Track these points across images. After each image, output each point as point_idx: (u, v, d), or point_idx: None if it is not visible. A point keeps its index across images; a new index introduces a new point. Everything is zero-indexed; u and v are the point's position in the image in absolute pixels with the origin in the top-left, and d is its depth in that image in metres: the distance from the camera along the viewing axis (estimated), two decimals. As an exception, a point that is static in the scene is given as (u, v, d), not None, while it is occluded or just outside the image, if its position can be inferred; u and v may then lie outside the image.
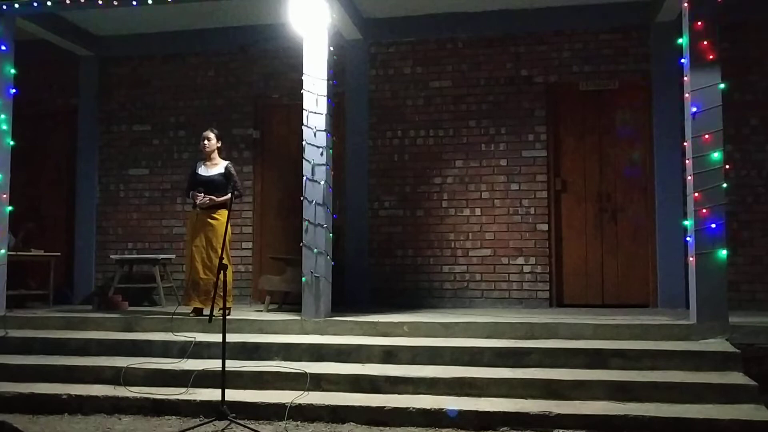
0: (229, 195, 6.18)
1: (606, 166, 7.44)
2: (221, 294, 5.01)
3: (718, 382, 4.67)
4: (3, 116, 6.82)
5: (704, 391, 4.59)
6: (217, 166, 6.52)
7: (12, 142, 6.90)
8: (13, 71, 6.93)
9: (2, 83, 6.82)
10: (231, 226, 5.84)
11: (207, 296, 6.21)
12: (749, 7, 6.88)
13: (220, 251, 6.04)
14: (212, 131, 6.59)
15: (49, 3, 6.78)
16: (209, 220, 6.34)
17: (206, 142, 6.53)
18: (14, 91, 6.94)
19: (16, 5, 6.79)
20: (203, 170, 6.52)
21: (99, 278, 8.30)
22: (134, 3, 6.70)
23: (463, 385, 4.82)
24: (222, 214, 6.35)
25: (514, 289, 7.41)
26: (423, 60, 7.82)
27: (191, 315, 6.33)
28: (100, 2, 6.73)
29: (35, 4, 6.77)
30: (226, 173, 6.48)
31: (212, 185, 6.38)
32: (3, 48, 6.84)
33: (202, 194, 6.32)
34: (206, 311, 6.25)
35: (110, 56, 8.47)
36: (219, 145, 6.61)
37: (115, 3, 6.72)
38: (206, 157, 6.56)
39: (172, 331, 5.89)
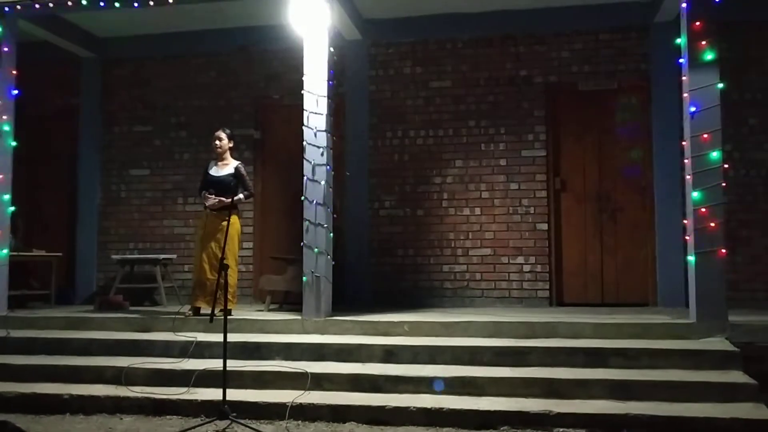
0: (240, 196, 6.25)
1: (605, 165, 7.46)
2: (223, 294, 5.02)
3: (717, 381, 4.68)
4: (5, 117, 6.84)
5: (704, 389, 4.61)
6: (227, 167, 6.51)
7: (14, 143, 6.92)
8: (15, 72, 6.96)
9: (4, 84, 6.85)
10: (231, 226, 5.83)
11: (213, 296, 6.22)
12: (747, 8, 6.88)
13: (228, 252, 6.13)
14: (224, 131, 6.55)
15: (50, 5, 6.81)
16: (221, 222, 6.33)
17: (218, 142, 6.50)
18: (16, 92, 6.96)
19: (18, 7, 6.81)
20: (214, 170, 6.50)
21: (100, 278, 8.32)
22: (135, 5, 6.72)
23: (464, 385, 4.84)
24: (232, 216, 6.35)
25: (514, 289, 7.43)
26: (423, 60, 7.84)
27: (188, 313, 6.31)
28: (102, 4, 6.75)
29: (37, 6, 6.79)
30: (236, 173, 6.46)
31: (222, 186, 6.35)
32: (5, 49, 6.87)
33: (213, 196, 6.32)
34: (205, 310, 6.29)
35: (112, 57, 8.50)
36: (231, 144, 6.59)
37: (117, 5, 6.74)
38: (218, 157, 6.55)
39: (174, 331, 5.91)
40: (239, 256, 7.76)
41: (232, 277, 6.15)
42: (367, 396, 4.81)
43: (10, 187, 6.86)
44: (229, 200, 6.24)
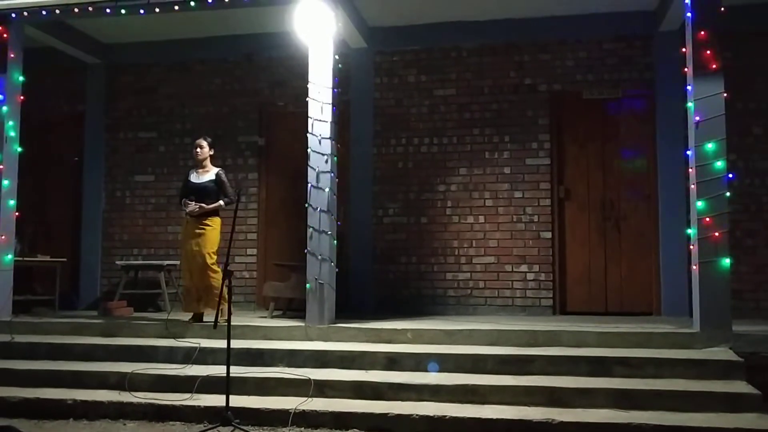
0: (221, 202, 6.30)
1: (609, 174, 7.46)
2: (224, 300, 5.02)
3: (721, 391, 4.67)
4: (11, 123, 6.88)
5: (707, 399, 4.60)
6: (208, 173, 6.52)
7: (20, 149, 6.95)
8: (21, 78, 7.00)
9: (11, 90, 6.89)
10: (236, 232, 5.82)
11: (199, 302, 6.28)
12: (752, 17, 6.90)
13: (208, 258, 6.21)
14: (205, 139, 6.59)
15: (57, 11, 6.85)
16: (199, 227, 6.35)
17: (198, 149, 6.53)
18: (22, 98, 7.00)
19: (25, 13, 6.86)
20: (195, 177, 6.52)
21: (104, 284, 8.34)
22: (141, 11, 6.75)
23: (467, 393, 4.83)
24: (213, 221, 6.38)
25: (517, 297, 7.42)
26: (427, 68, 7.86)
27: (191, 321, 6.33)
28: (108, 11, 6.78)
29: (43, 12, 6.84)
30: (218, 180, 6.48)
31: (204, 192, 6.40)
32: (12, 55, 6.91)
33: (193, 202, 6.34)
34: (206, 317, 6.31)
35: (117, 64, 8.54)
36: (212, 152, 6.61)
37: (123, 11, 6.77)
38: (198, 165, 6.58)
39: (176, 336, 5.92)
40: (240, 262, 7.83)
41: (218, 280, 6.04)
42: (370, 403, 4.81)
43: (16, 193, 6.89)
44: (211, 207, 6.32)
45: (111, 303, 7.26)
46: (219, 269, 6.26)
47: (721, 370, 4.96)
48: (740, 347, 5.26)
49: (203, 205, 6.33)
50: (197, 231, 6.35)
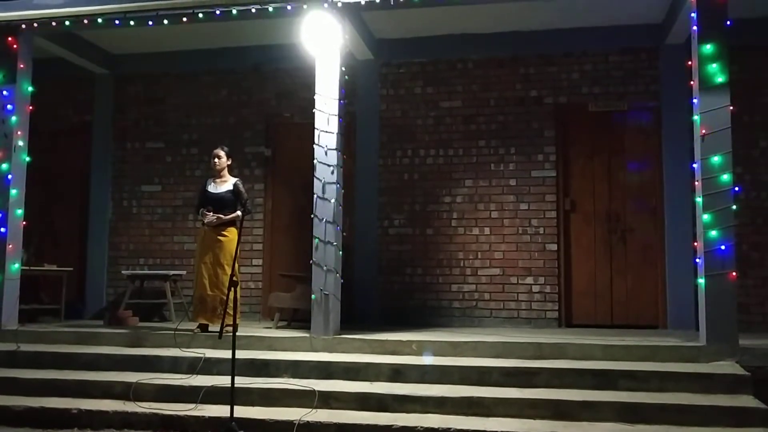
0: (238, 213, 6.31)
1: (615, 186, 7.45)
2: (230, 311, 5.04)
3: (727, 405, 4.64)
4: (20, 132, 6.91)
5: (714, 413, 4.57)
6: (226, 183, 6.57)
7: (28, 158, 7.00)
8: (30, 88, 7.05)
9: (20, 100, 6.93)
10: (242, 242, 5.86)
11: (213, 313, 6.27)
12: (758, 30, 6.91)
13: (227, 268, 6.17)
14: (222, 149, 6.65)
15: (66, 23, 6.90)
16: (218, 237, 6.38)
17: (216, 159, 6.58)
18: (31, 107, 7.05)
19: (35, 24, 6.92)
20: (212, 187, 6.56)
21: (110, 293, 8.36)
22: (150, 23, 6.80)
23: (472, 405, 4.82)
24: (231, 231, 6.40)
25: (522, 309, 7.40)
26: (433, 80, 7.89)
27: (196, 330, 6.34)
28: (117, 22, 6.83)
29: (53, 23, 6.90)
30: (235, 190, 6.52)
31: (221, 202, 6.43)
32: (21, 66, 6.95)
33: (211, 212, 6.37)
34: (211, 327, 6.32)
35: (125, 74, 8.60)
36: (229, 162, 6.66)
37: (132, 23, 6.83)
38: (216, 175, 6.62)
39: (181, 346, 5.93)
40: (245, 273, 7.84)
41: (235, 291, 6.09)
42: (375, 415, 4.79)
43: (23, 202, 6.93)
44: (229, 217, 6.34)
45: (118, 312, 7.27)
46: (237, 280, 6.32)
47: (728, 384, 4.93)
48: (747, 361, 5.23)
49: (221, 215, 6.36)
50: (216, 242, 6.36)
